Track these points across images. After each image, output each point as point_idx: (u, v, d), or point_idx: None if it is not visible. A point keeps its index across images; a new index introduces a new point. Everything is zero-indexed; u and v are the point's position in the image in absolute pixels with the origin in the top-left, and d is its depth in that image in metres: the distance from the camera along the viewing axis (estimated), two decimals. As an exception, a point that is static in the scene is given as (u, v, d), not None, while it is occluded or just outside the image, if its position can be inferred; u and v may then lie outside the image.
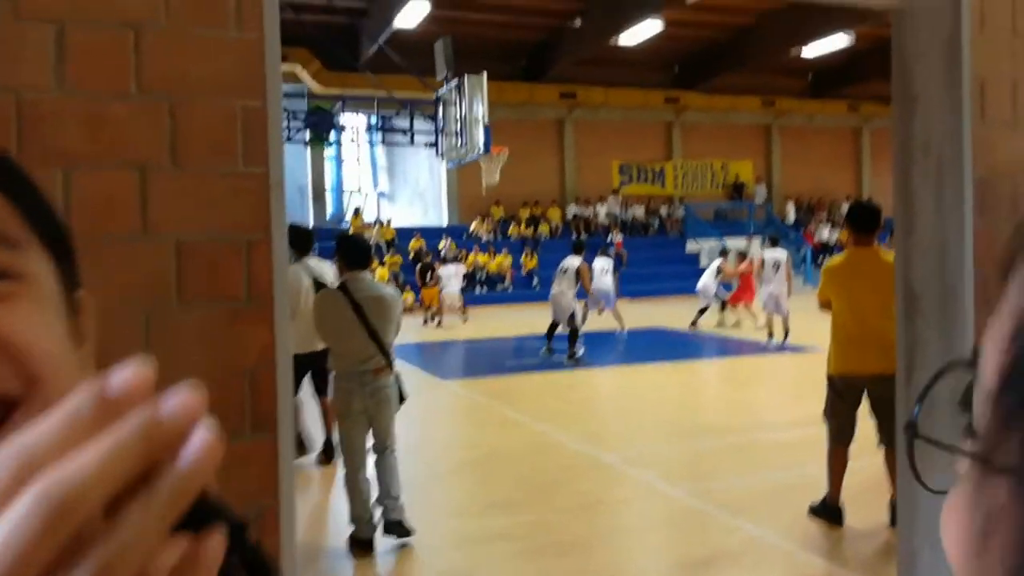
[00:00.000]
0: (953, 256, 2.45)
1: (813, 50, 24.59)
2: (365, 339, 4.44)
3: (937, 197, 2.50)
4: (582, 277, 11.20)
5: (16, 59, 1.61)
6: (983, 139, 2.47)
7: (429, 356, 13.94)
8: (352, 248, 4.75)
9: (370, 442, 4.57)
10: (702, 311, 15.32)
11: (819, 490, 4.89)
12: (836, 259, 4.89)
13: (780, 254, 12.82)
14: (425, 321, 18.61)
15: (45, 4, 1.63)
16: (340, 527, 4.69)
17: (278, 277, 1.80)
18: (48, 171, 1.62)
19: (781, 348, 12.37)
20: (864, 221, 4.69)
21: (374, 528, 4.53)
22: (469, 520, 5.03)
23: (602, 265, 13.92)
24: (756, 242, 28.04)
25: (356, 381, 4.45)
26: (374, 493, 4.55)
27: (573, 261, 11.29)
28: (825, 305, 4.83)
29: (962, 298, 2.43)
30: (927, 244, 2.54)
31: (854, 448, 4.76)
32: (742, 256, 15.10)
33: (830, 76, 29.49)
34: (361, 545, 4.51)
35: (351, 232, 25.03)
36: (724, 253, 17.02)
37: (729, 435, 7.08)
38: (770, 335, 12.65)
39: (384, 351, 4.51)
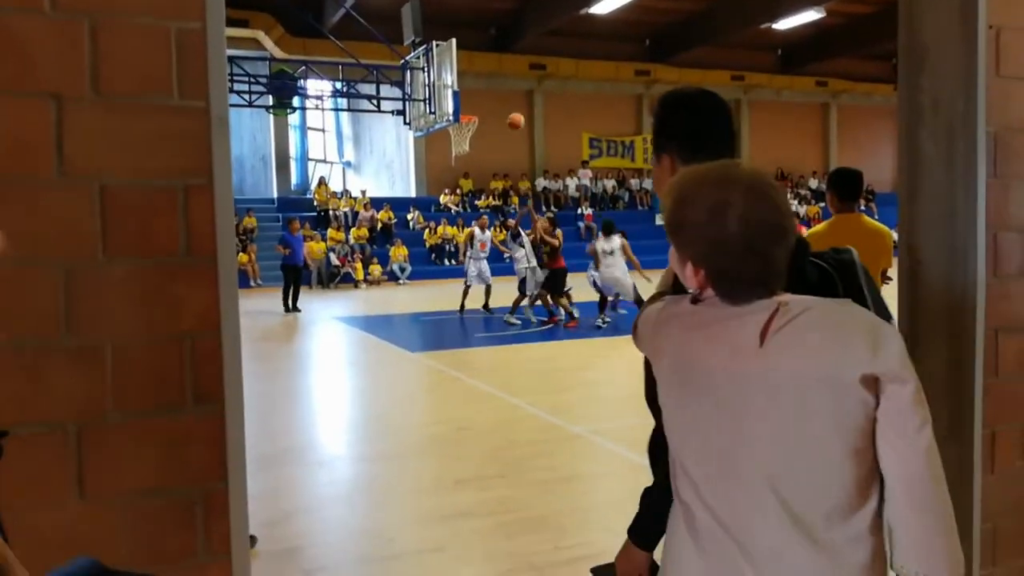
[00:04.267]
0: (963, 219, 2.27)
1: (783, 24, 24.50)
2: None
3: (947, 157, 2.31)
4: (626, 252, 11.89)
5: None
6: (998, 94, 2.29)
7: (398, 328, 13.71)
8: None
9: None
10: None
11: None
12: (819, 227, 4.72)
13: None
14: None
15: None
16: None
17: (222, 228, 1.56)
18: (-58, 97, 1.37)
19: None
20: (848, 187, 4.54)
21: None
22: (438, 497, 4.85)
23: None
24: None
25: None
26: None
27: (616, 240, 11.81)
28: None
29: (972, 261, 2.26)
30: (934, 208, 2.36)
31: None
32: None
33: (799, 52, 29.52)
34: None
35: (315, 202, 24.64)
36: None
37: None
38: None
39: None
